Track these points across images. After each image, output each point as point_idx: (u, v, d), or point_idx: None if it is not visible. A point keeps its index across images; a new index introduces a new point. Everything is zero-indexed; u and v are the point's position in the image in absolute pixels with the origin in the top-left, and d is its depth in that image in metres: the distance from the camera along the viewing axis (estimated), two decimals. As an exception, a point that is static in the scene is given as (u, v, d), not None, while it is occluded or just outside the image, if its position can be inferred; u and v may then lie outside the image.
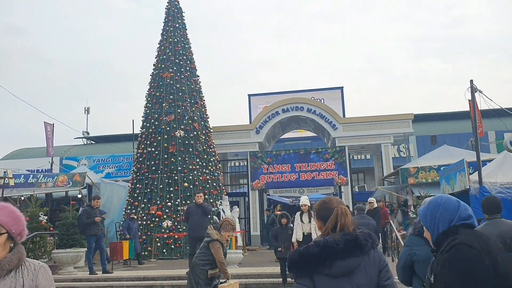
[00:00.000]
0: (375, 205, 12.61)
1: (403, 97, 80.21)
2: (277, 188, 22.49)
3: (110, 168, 34.46)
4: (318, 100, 28.79)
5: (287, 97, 24.88)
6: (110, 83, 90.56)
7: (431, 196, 11.87)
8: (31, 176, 17.72)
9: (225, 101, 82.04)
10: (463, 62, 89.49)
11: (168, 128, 16.89)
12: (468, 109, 11.51)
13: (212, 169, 17.19)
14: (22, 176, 17.66)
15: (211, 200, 16.40)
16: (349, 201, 20.78)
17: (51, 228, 12.93)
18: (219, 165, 18.33)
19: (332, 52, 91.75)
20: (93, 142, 44.04)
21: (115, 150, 35.61)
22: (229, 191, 21.66)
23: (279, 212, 17.96)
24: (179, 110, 17.12)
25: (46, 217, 12.98)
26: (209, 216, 10.52)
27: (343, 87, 36.73)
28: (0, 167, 23.89)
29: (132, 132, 23.30)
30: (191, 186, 16.17)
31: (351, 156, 22.59)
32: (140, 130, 17.81)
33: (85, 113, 45.25)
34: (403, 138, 22.83)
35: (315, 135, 31.18)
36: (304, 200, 8.77)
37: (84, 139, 44.20)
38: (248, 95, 36.22)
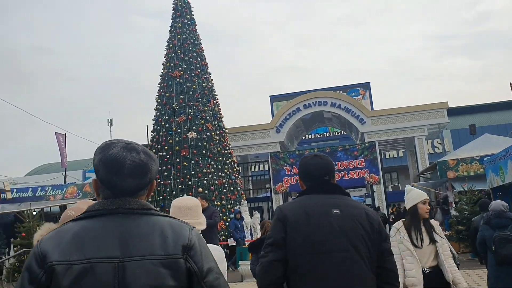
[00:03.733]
0: None
1: (430, 97, 77.42)
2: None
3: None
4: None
5: (310, 94, 23.33)
6: (133, 95, 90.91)
7: (476, 190, 9.87)
8: (39, 189, 16.74)
9: (250, 111, 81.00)
10: (492, 57, 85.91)
11: (179, 130, 15.63)
12: (510, 99, 9.77)
13: (228, 172, 15.80)
14: (30, 189, 16.70)
15: (229, 206, 15.01)
16: (382, 201, 19.02)
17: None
18: (236, 167, 16.90)
19: (355, 56, 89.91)
20: (117, 154, 43.50)
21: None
22: (251, 196, 20.21)
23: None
24: (190, 111, 15.84)
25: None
26: (214, 223, 8.53)
27: (369, 82, 34.89)
28: (22, 182, 23.19)
29: (147, 138, 22.19)
30: (206, 191, 14.78)
31: (382, 154, 20.82)
32: (151, 134, 16.62)
33: (108, 125, 44.91)
34: (437, 130, 20.91)
35: (343, 134, 29.48)
36: (417, 195, 4.36)
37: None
38: (269, 96, 34.79)
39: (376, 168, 19.03)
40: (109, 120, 45.17)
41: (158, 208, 1.71)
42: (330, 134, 34.36)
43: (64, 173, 20.91)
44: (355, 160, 19.20)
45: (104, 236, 1.45)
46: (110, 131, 48.00)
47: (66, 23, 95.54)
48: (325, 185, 2.41)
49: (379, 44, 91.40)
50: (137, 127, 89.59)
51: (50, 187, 16.87)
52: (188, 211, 2.74)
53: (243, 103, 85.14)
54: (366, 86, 34.93)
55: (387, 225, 15.98)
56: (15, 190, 16.90)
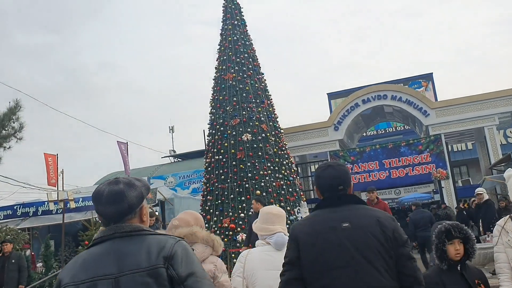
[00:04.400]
0: (485, 196, 9.66)
1: (501, 85, 72.75)
2: (366, 189, 20.08)
3: (195, 183, 34.14)
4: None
5: (369, 89, 22.42)
6: (192, 101, 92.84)
7: None
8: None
9: (308, 111, 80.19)
10: None
11: (234, 133, 15.44)
12: None
13: (286, 173, 15.40)
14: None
15: (288, 208, 14.60)
16: (452, 197, 17.89)
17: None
18: (294, 168, 16.49)
19: (415, 48, 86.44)
20: (180, 160, 44.38)
21: (200, 164, 35.32)
22: (312, 197, 19.72)
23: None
24: (244, 112, 15.61)
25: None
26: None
27: (432, 73, 33.28)
28: (91, 190, 24.05)
29: (204, 143, 22.33)
30: (264, 194, 14.49)
31: (449, 147, 19.60)
32: (207, 138, 16.58)
33: (170, 132, 46.02)
34: (510, 118, 19.39)
35: (407, 128, 28.30)
36: None
37: (171, 158, 44.72)
38: (327, 94, 34.09)
39: (443, 162, 17.95)
40: (170, 128, 46.58)
41: (150, 229, 2.00)
42: (393, 129, 33.10)
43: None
44: (420, 155, 18.22)
45: (103, 257, 1.81)
46: (172, 138, 49.53)
47: (128, 39, 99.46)
48: (338, 197, 2.41)
49: (441, 34, 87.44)
50: (196, 132, 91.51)
51: (112, 195, 17.27)
52: (278, 218, 3.28)
53: (301, 104, 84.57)
54: (429, 77, 33.41)
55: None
56: (80, 199, 17.45)
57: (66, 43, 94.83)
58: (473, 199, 10.98)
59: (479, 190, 9.66)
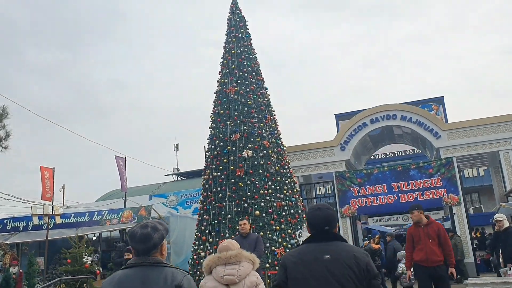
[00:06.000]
0: (506, 223, 8.58)
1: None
2: (373, 213, 19.10)
3: (198, 203, 33.25)
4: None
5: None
6: (197, 119, 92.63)
7: None
8: (96, 213, 16.36)
9: (315, 133, 79.49)
10: None
11: (234, 149, 14.62)
12: None
13: (288, 193, 14.50)
14: (87, 214, 16.36)
15: (289, 231, 13.66)
16: (464, 224, 16.85)
17: (98, 271, 11.02)
18: (297, 188, 15.57)
19: (425, 74, 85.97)
20: (183, 178, 43.57)
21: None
22: (315, 220, 18.72)
23: (377, 246, 14.70)
24: (245, 127, 14.82)
25: (91, 258, 11.11)
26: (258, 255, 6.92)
27: (443, 96, 32.47)
28: (91, 207, 23.26)
29: (205, 159, 21.48)
30: (264, 214, 13.59)
31: (461, 172, 18.62)
32: (206, 154, 15.77)
33: (174, 150, 45.41)
34: (527, 143, 18.40)
35: (416, 152, 27.41)
36: None
37: (174, 176, 43.96)
38: (335, 115, 33.34)
39: (455, 187, 16.96)
40: (175, 145, 45.99)
41: (167, 262, 2.76)
42: (402, 153, 32.19)
43: (124, 198, 20.60)
44: (431, 179, 17.25)
45: (133, 279, 2.58)
46: (176, 156, 48.89)
47: (140, 58, 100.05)
48: (324, 234, 2.91)
49: (450, 61, 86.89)
50: (199, 149, 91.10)
51: (106, 211, 16.47)
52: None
53: (308, 127, 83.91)
54: (440, 100, 32.59)
55: (456, 250, 13.84)
56: (72, 215, 16.65)
57: (78, 60, 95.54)
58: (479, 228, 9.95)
59: (499, 216, 8.62)
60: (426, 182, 17.25)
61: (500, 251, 8.24)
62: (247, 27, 16.99)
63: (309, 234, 10.31)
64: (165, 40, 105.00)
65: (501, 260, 8.33)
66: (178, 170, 44.09)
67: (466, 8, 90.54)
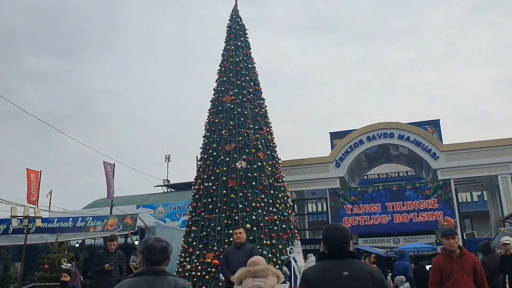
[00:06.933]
0: None
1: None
2: (365, 232, 18.56)
3: (187, 215, 32.60)
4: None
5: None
6: (190, 131, 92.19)
7: None
8: (80, 219, 15.72)
9: (310, 153, 79.25)
10: None
11: (227, 159, 14.12)
12: None
13: (281, 208, 13.97)
14: (71, 219, 15.71)
15: (280, 246, 13.10)
16: (460, 249, 16.33)
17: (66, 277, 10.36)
18: (290, 203, 15.06)
19: (419, 101, 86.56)
20: (173, 190, 42.86)
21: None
22: (307, 237, 18.21)
23: (373, 266, 14.12)
24: (240, 138, 14.34)
25: (70, 264, 10.45)
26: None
27: (439, 119, 32.24)
28: (80, 215, 22.53)
29: (196, 168, 20.96)
30: (255, 228, 13.03)
31: (457, 195, 18.23)
32: (198, 163, 15.24)
33: (165, 161, 44.73)
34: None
35: (411, 174, 27.04)
36: None
37: (164, 187, 43.25)
38: (329, 133, 32.93)
39: (451, 210, 16.58)
40: (167, 156, 45.30)
41: (169, 271, 3.25)
42: (395, 174, 31.82)
43: (110, 205, 19.95)
44: (427, 200, 16.87)
45: (141, 286, 2.96)
46: (167, 166, 48.20)
47: (136, 71, 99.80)
48: (341, 252, 3.20)
49: (444, 89, 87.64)
50: (190, 162, 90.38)
51: (91, 218, 15.84)
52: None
53: (303, 145, 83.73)
54: (436, 123, 32.31)
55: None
56: (55, 219, 15.99)
57: (76, 69, 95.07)
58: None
59: (506, 239, 8.09)
60: (422, 203, 16.86)
61: (507, 276, 7.77)
62: (246, 36, 16.63)
63: (299, 251, 9.80)
64: (163, 53, 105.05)
65: (507, 286, 7.85)
66: (168, 181, 43.41)
67: (460, 41, 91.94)
